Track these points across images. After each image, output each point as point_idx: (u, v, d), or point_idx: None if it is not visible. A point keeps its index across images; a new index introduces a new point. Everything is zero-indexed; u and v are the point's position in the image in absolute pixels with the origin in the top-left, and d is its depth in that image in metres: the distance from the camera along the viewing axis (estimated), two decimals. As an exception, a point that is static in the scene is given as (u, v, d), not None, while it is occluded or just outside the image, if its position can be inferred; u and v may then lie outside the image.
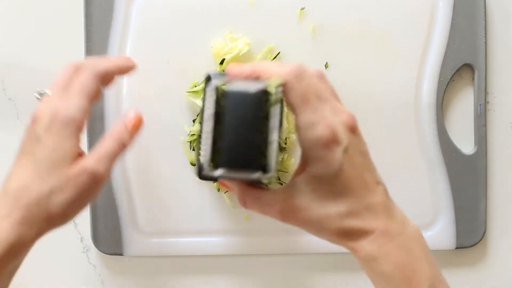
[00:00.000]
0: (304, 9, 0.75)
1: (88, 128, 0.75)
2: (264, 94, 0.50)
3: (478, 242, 0.76)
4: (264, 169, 0.50)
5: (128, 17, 0.75)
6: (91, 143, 0.75)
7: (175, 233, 0.76)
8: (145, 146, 0.75)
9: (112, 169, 0.58)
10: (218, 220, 0.76)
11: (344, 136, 0.51)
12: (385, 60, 0.75)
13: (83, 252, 0.78)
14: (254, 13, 0.75)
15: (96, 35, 0.75)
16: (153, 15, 0.75)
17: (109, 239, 0.76)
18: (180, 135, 0.75)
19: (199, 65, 0.74)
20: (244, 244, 0.76)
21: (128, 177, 0.75)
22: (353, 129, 0.53)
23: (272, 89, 0.50)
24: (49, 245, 0.74)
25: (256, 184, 0.55)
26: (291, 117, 0.72)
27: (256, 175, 0.50)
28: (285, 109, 0.62)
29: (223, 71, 0.57)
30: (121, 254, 0.76)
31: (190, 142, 0.74)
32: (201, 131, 0.52)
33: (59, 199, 0.54)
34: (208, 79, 0.53)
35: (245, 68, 0.53)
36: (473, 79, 0.77)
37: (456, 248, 0.76)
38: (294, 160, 0.74)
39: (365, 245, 0.52)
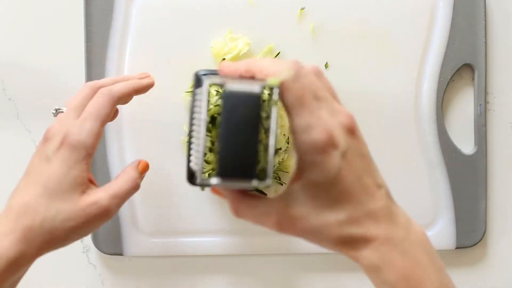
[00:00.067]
0: (304, 9, 0.75)
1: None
2: (262, 96, 0.46)
3: (478, 242, 0.76)
4: (262, 176, 0.48)
5: (128, 17, 0.75)
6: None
7: (175, 233, 0.76)
8: (145, 146, 0.75)
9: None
10: (218, 220, 0.76)
11: (342, 139, 0.48)
12: (385, 60, 0.75)
13: (83, 252, 0.78)
14: (254, 13, 0.75)
15: (96, 35, 0.75)
16: (153, 15, 0.75)
17: (109, 239, 0.76)
18: (180, 135, 0.75)
19: (199, 65, 0.74)
20: (244, 244, 0.76)
21: (128, 177, 0.75)
22: (351, 131, 0.49)
23: (271, 90, 0.47)
24: (49, 245, 0.74)
25: (249, 191, 0.52)
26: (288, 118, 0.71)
27: (253, 183, 0.47)
28: (281, 110, 0.59)
29: (213, 70, 0.53)
30: (121, 254, 0.76)
31: (190, 142, 0.74)
32: (190, 136, 0.49)
33: (66, 225, 0.55)
34: (197, 80, 0.50)
35: (239, 66, 0.50)
36: (473, 79, 0.77)
37: (456, 248, 0.76)
38: (294, 160, 0.74)
39: (368, 254, 0.49)
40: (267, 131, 0.48)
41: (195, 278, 0.78)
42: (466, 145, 0.77)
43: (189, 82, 0.74)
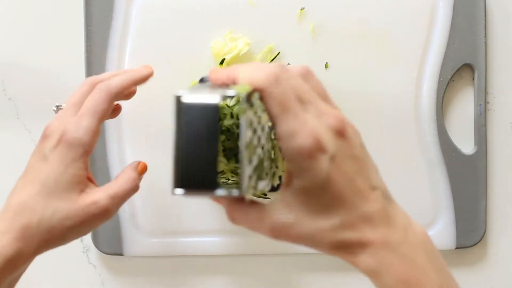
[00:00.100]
0: (304, 9, 0.74)
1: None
2: (220, 106, 0.45)
3: (478, 242, 0.76)
4: (237, 186, 0.47)
5: (128, 17, 0.75)
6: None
7: (175, 233, 0.76)
8: (145, 146, 0.75)
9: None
10: (218, 220, 0.75)
11: (330, 143, 0.46)
12: (385, 60, 0.75)
13: (83, 252, 0.78)
14: (254, 13, 0.75)
15: (96, 35, 0.75)
16: (153, 15, 0.75)
17: (109, 239, 0.76)
18: (180, 135, 0.75)
19: (199, 65, 0.74)
20: (244, 244, 0.76)
21: (128, 177, 0.75)
22: (341, 133, 0.47)
23: (248, 97, 0.46)
24: (49, 245, 0.74)
25: (243, 198, 0.50)
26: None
27: (219, 193, 0.46)
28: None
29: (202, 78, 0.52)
30: (121, 254, 0.76)
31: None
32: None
33: (64, 224, 0.55)
34: (178, 101, 0.47)
35: (221, 73, 0.49)
36: (473, 79, 0.77)
37: (456, 248, 0.76)
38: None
39: (365, 259, 0.48)
40: (239, 139, 0.46)
41: (195, 278, 0.78)
42: (466, 145, 0.76)
43: (189, 82, 0.74)
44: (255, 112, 0.49)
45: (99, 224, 0.57)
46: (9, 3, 0.77)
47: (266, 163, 0.53)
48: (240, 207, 0.50)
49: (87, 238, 0.77)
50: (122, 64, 0.75)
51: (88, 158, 0.57)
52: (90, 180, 0.59)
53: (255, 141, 0.48)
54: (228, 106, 0.54)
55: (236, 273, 0.78)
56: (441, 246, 0.76)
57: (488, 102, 0.77)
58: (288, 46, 0.75)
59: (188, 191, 0.46)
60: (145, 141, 0.75)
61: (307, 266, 0.77)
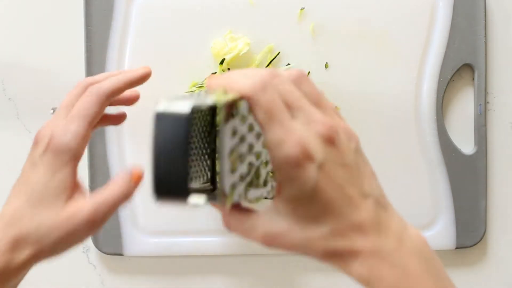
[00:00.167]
0: (304, 9, 0.74)
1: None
2: (191, 117, 0.44)
3: (478, 242, 0.76)
4: (214, 196, 0.46)
5: (128, 17, 0.75)
6: (91, 146, 0.75)
7: (175, 233, 0.76)
8: (145, 146, 0.75)
9: (109, 218, 0.54)
10: (217, 220, 0.76)
11: (318, 151, 0.45)
12: (385, 60, 0.75)
13: (83, 252, 0.78)
14: (254, 13, 0.75)
15: (96, 35, 0.75)
16: (153, 15, 0.75)
17: (109, 239, 0.76)
18: (180, 135, 0.75)
19: (199, 65, 0.74)
20: (244, 244, 0.76)
21: (128, 177, 0.75)
22: (330, 140, 0.46)
23: (235, 106, 0.45)
24: (49, 245, 0.74)
25: (240, 205, 0.50)
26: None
27: (192, 202, 0.45)
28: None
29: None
30: (121, 254, 0.76)
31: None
32: None
33: (51, 235, 0.52)
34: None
35: (215, 80, 0.48)
36: (473, 79, 0.77)
37: (456, 248, 0.76)
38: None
39: (356, 267, 0.47)
40: (218, 148, 0.45)
41: (195, 278, 0.78)
42: (466, 145, 0.77)
43: (189, 82, 0.74)
44: (243, 120, 0.48)
45: (86, 235, 0.53)
46: (9, 3, 0.77)
47: (264, 171, 0.52)
48: (235, 214, 0.49)
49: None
50: (122, 64, 0.75)
51: (77, 163, 0.54)
52: (79, 187, 0.56)
53: (242, 149, 0.48)
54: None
55: (236, 273, 0.78)
56: (441, 246, 0.76)
57: (488, 102, 0.77)
58: (288, 46, 0.75)
59: (162, 199, 0.45)
60: (145, 141, 0.75)
61: (307, 266, 0.77)
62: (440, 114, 0.75)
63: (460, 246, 0.76)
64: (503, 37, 0.77)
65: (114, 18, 0.75)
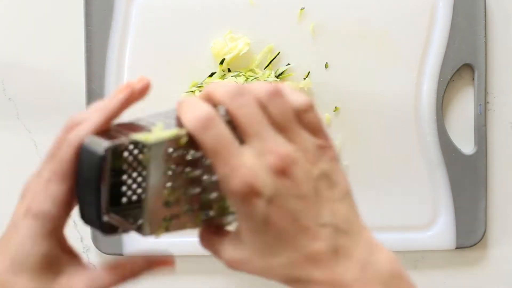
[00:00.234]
0: (304, 9, 0.74)
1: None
2: (103, 156, 0.44)
3: (478, 242, 0.76)
4: (143, 230, 0.48)
5: (128, 17, 0.75)
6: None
7: (175, 233, 0.76)
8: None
9: None
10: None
11: (267, 184, 0.44)
12: (385, 60, 0.75)
13: (83, 252, 0.78)
14: (254, 13, 0.75)
15: (96, 35, 0.75)
16: (153, 15, 0.75)
17: (109, 239, 0.76)
18: (180, 135, 0.75)
19: (199, 65, 0.74)
20: (244, 244, 0.76)
21: (128, 177, 0.75)
22: (283, 171, 0.44)
23: (145, 144, 0.44)
24: (49, 245, 0.74)
25: (217, 226, 0.50)
26: None
27: (107, 234, 0.46)
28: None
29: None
30: (121, 254, 0.76)
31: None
32: None
33: None
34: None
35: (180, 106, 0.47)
36: (473, 79, 0.77)
37: (456, 248, 0.76)
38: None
39: None
40: (148, 183, 0.45)
41: (195, 278, 0.78)
42: (466, 145, 0.76)
43: (189, 82, 0.74)
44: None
45: None
46: (9, 3, 0.77)
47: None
48: (209, 234, 0.50)
49: (87, 238, 0.77)
50: (122, 64, 0.75)
51: (62, 230, 0.48)
52: (73, 256, 0.50)
53: (179, 183, 0.47)
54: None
55: (236, 273, 0.78)
56: (441, 246, 0.76)
57: (488, 102, 0.77)
58: (288, 46, 0.75)
59: (88, 225, 0.46)
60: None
61: (307, 266, 0.77)
62: (440, 114, 0.75)
63: (460, 246, 0.76)
64: (503, 37, 0.77)
65: (114, 18, 0.75)
